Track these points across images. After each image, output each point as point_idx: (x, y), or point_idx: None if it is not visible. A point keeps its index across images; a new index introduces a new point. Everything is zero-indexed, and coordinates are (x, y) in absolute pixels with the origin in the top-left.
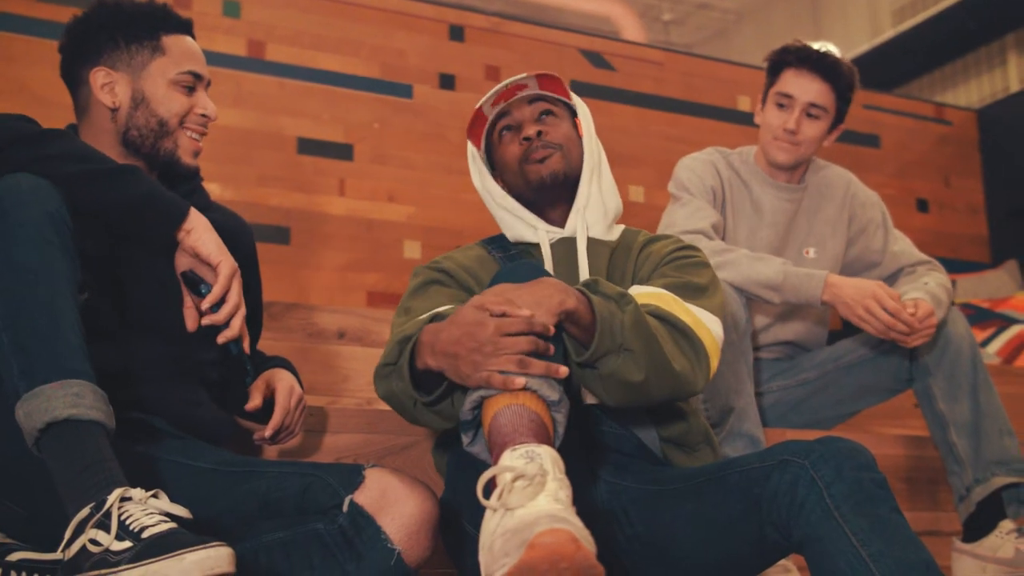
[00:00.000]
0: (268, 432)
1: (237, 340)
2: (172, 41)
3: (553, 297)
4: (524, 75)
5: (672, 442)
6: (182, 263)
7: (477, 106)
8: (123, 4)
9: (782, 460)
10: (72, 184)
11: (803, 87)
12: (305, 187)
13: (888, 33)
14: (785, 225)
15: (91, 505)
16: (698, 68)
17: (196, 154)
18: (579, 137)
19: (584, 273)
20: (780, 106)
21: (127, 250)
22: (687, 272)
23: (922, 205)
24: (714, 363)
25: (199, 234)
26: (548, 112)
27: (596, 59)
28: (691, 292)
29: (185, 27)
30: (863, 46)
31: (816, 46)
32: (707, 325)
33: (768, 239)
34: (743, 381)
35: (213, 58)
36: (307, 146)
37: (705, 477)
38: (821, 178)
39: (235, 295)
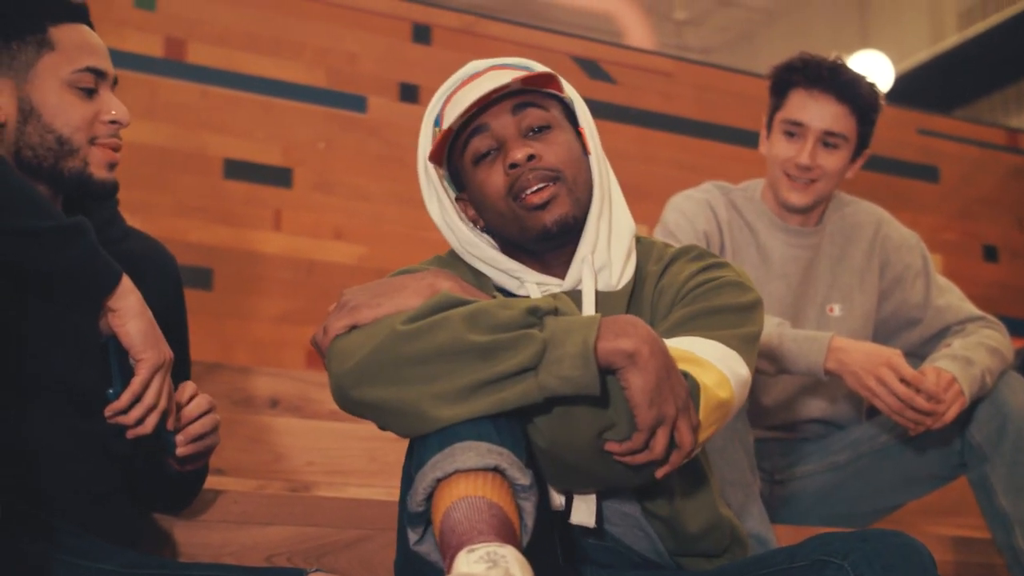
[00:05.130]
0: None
1: (161, 426)
2: (63, 32)
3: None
4: (499, 61)
5: (688, 552)
6: (105, 328)
7: (434, 113)
8: None
9: (816, 560)
10: (6, 242)
11: (816, 112)
12: (232, 220)
13: (952, 39)
14: (800, 276)
15: None
16: (716, 81)
17: (112, 167)
18: (585, 154)
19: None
20: (790, 135)
21: (33, 299)
22: (704, 300)
23: (990, 253)
24: (716, 412)
25: (124, 319)
26: (544, 127)
27: (592, 68)
28: (694, 324)
29: (78, 13)
30: (920, 55)
31: (828, 59)
32: (701, 356)
33: (779, 294)
34: (741, 470)
35: (122, 59)
36: (236, 169)
37: None
38: (845, 217)
39: (152, 393)
